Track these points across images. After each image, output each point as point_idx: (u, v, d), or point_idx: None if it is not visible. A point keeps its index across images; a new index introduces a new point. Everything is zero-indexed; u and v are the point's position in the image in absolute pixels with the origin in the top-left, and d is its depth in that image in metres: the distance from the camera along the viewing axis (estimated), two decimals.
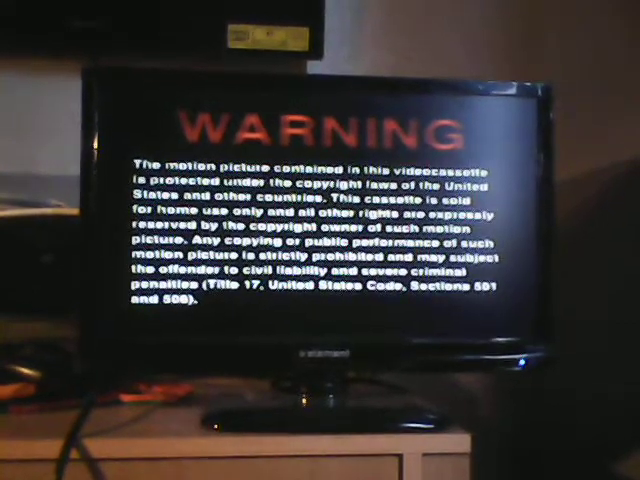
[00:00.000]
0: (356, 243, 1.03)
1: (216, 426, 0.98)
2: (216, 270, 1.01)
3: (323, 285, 1.03)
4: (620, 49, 1.50)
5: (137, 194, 1.01)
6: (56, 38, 1.34)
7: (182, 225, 1.01)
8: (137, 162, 1.01)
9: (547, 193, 1.06)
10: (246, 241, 1.02)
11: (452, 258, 1.04)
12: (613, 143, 1.47)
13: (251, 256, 1.02)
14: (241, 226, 1.02)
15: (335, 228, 1.03)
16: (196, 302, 1.01)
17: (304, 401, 1.04)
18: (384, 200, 1.04)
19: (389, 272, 1.03)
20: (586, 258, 1.46)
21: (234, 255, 1.02)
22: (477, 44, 1.47)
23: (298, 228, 1.02)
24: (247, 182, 1.02)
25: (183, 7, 1.35)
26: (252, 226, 1.02)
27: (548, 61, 1.48)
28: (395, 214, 1.04)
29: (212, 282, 1.01)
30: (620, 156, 1.47)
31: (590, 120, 1.47)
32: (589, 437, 1.45)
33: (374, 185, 1.04)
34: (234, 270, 1.01)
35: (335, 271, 1.03)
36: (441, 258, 1.04)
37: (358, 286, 1.03)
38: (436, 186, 1.04)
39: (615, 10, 1.49)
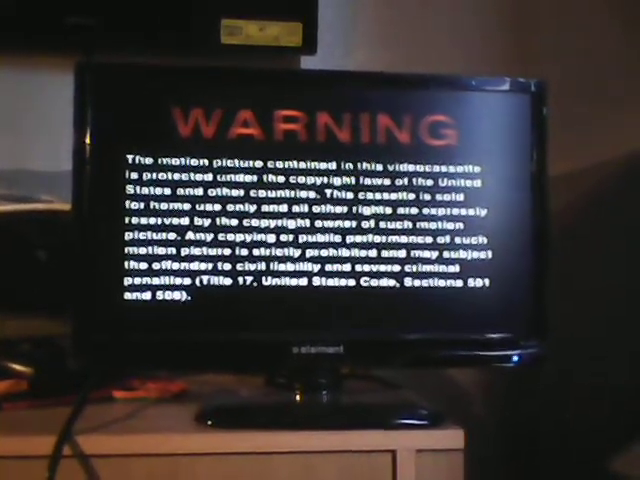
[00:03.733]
0: (350, 239, 1.03)
1: (210, 422, 0.98)
2: (209, 266, 1.01)
3: (317, 281, 1.02)
4: (615, 46, 1.50)
5: (130, 190, 1.00)
6: (50, 35, 1.34)
7: (175, 221, 1.01)
8: (130, 157, 1.01)
9: (541, 189, 1.06)
10: (239, 237, 1.02)
11: (445, 254, 1.04)
12: (608, 138, 1.47)
13: (244, 252, 1.02)
14: (234, 222, 1.02)
15: (329, 224, 1.03)
16: (189, 298, 1.01)
17: (298, 397, 1.04)
18: (377, 196, 1.03)
19: (383, 268, 1.03)
20: (581, 254, 1.46)
21: (227, 251, 1.01)
22: (471, 40, 1.47)
23: (291, 224, 1.02)
24: (240, 178, 1.02)
25: (176, 3, 1.35)
26: (245, 222, 1.02)
27: (543, 57, 1.48)
28: (389, 210, 1.04)
29: (205, 278, 1.01)
30: (615, 151, 1.47)
31: (585, 115, 1.47)
32: (584, 433, 1.45)
33: (367, 181, 1.03)
34: (227, 266, 1.01)
35: (329, 267, 1.03)
36: (434, 254, 1.04)
37: (352, 282, 1.03)
38: (430, 182, 1.04)
39: (610, 6, 1.49)
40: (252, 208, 1.02)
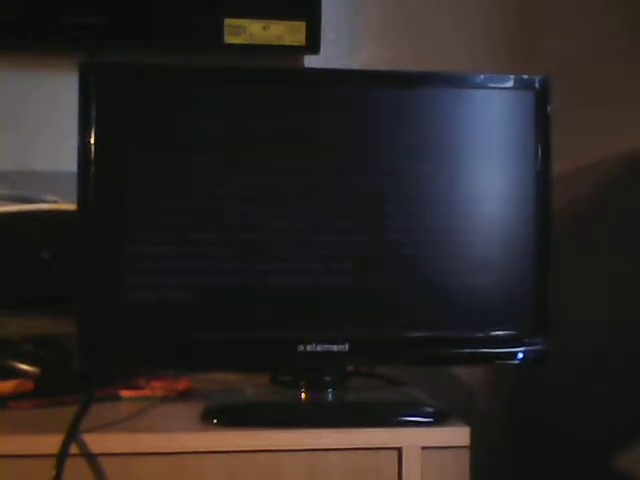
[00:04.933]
0: (355, 238, 1.03)
1: (215, 421, 0.98)
2: (214, 265, 1.01)
3: (322, 280, 1.02)
4: (618, 43, 1.50)
5: (134, 189, 1.00)
6: (52, 34, 1.34)
7: (179, 220, 1.01)
8: (134, 157, 1.01)
9: (545, 186, 1.06)
10: (244, 236, 1.02)
11: (450, 252, 1.04)
12: (611, 136, 1.47)
13: (249, 251, 1.02)
14: (239, 221, 1.02)
15: (334, 222, 1.03)
16: (194, 297, 1.01)
17: (303, 395, 1.05)
18: (383, 194, 1.03)
19: (387, 266, 1.03)
20: (584, 251, 1.46)
21: (232, 250, 1.01)
22: (475, 38, 1.47)
23: (297, 223, 1.02)
24: (245, 177, 1.02)
25: (179, 2, 1.35)
26: (250, 221, 1.02)
27: (546, 54, 1.48)
28: (393, 208, 1.04)
29: (210, 277, 1.01)
30: (618, 149, 1.47)
31: (588, 113, 1.47)
32: (590, 430, 1.45)
33: (373, 179, 1.03)
34: (232, 265, 1.01)
35: (334, 266, 1.03)
36: (439, 252, 1.04)
37: (356, 281, 1.03)
38: (434, 180, 1.04)
39: (613, 4, 1.49)
40: (257, 207, 1.02)
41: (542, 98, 1.06)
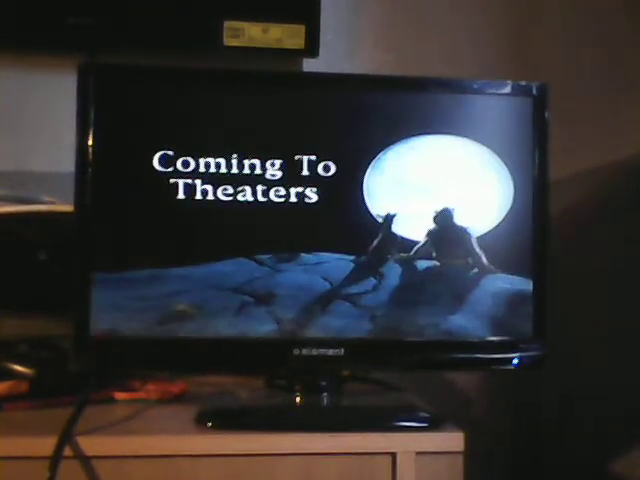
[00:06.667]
0: (353, 241, 1.03)
1: (210, 424, 0.98)
2: (212, 267, 1.01)
3: (319, 283, 1.02)
4: (618, 48, 1.50)
5: (132, 190, 1.00)
6: (51, 34, 1.34)
7: (178, 221, 1.01)
8: (133, 159, 1.01)
9: (542, 191, 1.07)
10: (243, 237, 1.02)
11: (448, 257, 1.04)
12: (610, 142, 1.47)
13: (248, 252, 1.01)
14: (239, 222, 1.02)
15: (332, 224, 1.03)
16: (191, 299, 1.01)
17: (298, 399, 1.04)
18: (382, 197, 1.03)
19: (385, 270, 1.03)
20: (582, 257, 1.46)
21: (231, 251, 1.01)
22: (475, 41, 1.47)
23: (295, 223, 1.02)
24: (245, 178, 1.02)
25: (179, 4, 1.35)
26: (250, 221, 1.02)
27: (547, 59, 1.48)
28: (392, 212, 1.04)
29: (208, 278, 1.01)
30: (617, 155, 1.47)
31: (587, 119, 1.47)
32: (585, 435, 1.45)
33: (373, 182, 1.03)
34: (231, 267, 1.01)
35: (332, 268, 1.03)
36: (437, 257, 1.04)
37: (354, 284, 1.03)
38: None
39: (615, 8, 1.49)
40: (256, 208, 1.02)
41: (539, 104, 1.06)
